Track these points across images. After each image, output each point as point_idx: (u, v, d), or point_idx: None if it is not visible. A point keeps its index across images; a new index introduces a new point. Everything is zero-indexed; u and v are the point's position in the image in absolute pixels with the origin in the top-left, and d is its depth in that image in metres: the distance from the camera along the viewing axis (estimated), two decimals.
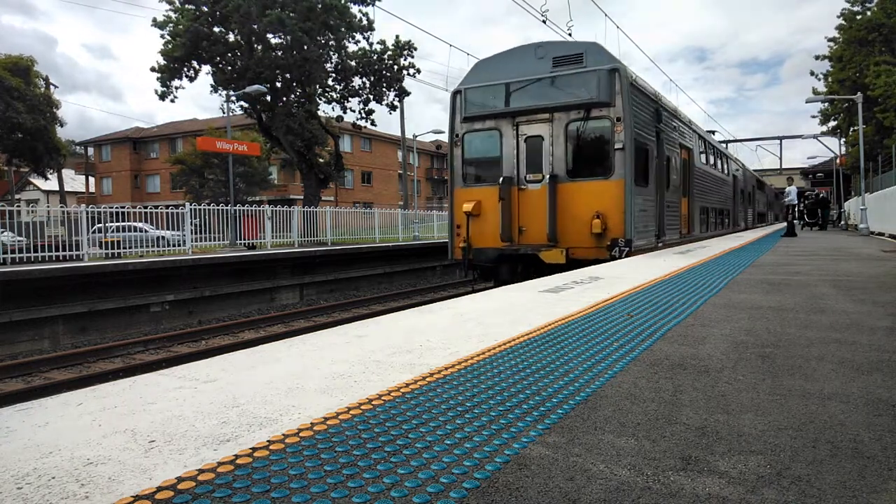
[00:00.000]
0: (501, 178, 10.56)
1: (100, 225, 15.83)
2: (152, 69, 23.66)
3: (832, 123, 36.51)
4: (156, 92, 24.01)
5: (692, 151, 15.32)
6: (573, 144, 10.30)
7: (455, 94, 11.42)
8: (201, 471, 1.58)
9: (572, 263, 9.35)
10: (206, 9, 22.96)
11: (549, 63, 10.47)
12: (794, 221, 19.18)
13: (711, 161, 18.92)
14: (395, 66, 25.65)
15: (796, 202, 20.34)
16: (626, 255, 9.52)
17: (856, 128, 26.95)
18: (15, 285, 11.21)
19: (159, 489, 1.48)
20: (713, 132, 22.68)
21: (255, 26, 22.60)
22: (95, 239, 15.51)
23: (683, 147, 14.46)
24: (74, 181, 60.57)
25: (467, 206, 10.88)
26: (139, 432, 1.88)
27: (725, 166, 21.78)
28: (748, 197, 28.78)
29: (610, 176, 9.94)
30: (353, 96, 26.06)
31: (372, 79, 25.69)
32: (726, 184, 21.67)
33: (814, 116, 42.17)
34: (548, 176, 10.22)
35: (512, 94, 10.72)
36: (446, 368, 2.66)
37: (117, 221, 17.10)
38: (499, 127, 10.91)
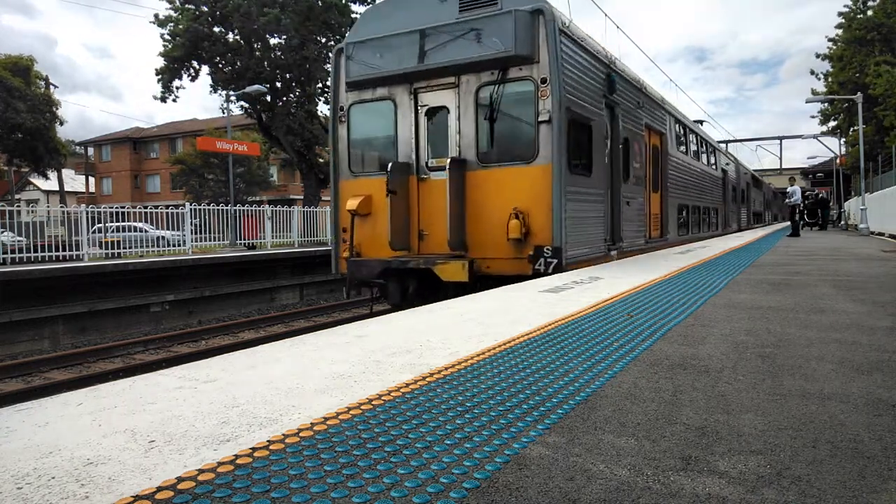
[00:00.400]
0: (390, 165, 7.99)
1: (100, 225, 15.84)
2: (156, 72, 23.72)
3: (832, 123, 36.57)
4: (155, 97, 24.17)
5: (665, 137, 12.69)
6: (486, 117, 7.75)
7: (337, 52, 8.76)
8: (201, 471, 1.59)
9: (484, 281, 7.18)
10: (206, 9, 22.98)
11: (454, 6, 7.87)
12: (798, 222, 18.93)
13: (694, 151, 16.41)
14: None
15: (800, 202, 19.85)
16: (555, 270, 7.18)
17: (856, 128, 26.98)
18: (15, 285, 11.21)
19: (159, 489, 1.48)
20: (701, 122, 20.30)
21: (255, 26, 22.63)
22: (95, 239, 15.52)
23: (653, 130, 11.84)
24: (74, 181, 60.55)
25: (352, 204, 8.34)
26: (139, 432, 1.88)
27: (713, 159, 19.44)
28: (742, 195, 26.23)
29: (532, 160, 7.43)
30: None
31: None
32: (714, 178, 19.19)
33: (814, 116, 42.30)
34: (448, 160, 7.67)
35: (407, 50, 8.07)
36: (446, 368, 2.66)
37: (117, 221, 17.10)
38: (393, 96, 8.34)
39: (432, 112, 8.23)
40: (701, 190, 16.93)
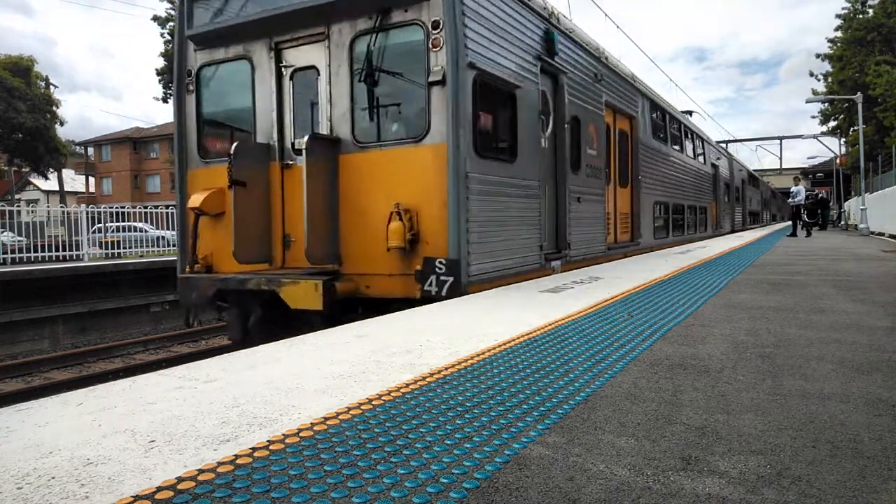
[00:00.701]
0: (235, 147, 5.94)
1: (100, 225, 15.85)
2: (157, 72, 23.79)
3: (832, 123, 36.62)
4: (155, 98, 24.35)
5: (637, 121, 10.82)
6: (362, 78, 5.79)
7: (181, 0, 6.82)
8: (201, 471, 1.59)
9: (361, 306, 5.69)
10: None
11: None
12: (799, 222, 18.77)
13: (677, 141, 14.36)
14: None
15: (804, 202, 19.50)
16: (451, 293, 5.26)
17: (856, 128, 27.01)
18: (15, 285, 11.21)
19: (159, 489, 1.48)
20: (690, 113, 18.34)
21: None
22: (95, 239, 15.53)
23: (619, 111, 10.01)
24: (74, 181, 60.58)
25: (196, 200, 6.34)
26: (139, 432, 1.88)
27: (702, 152, 17.44)
28: (736, 192, 24.08)
29: (421, 138, 5.53)
30: None
31: None
32: (702, 174, 17.20)
33: (814, 117, 42.39)
34: (306, 139, 5.64)
35: None
36: (446, 368, 2.66)
37: (117, 221, 17.11)
38: (250, 53, 6.37)
39: (299, 74, 6.24)
40: (685, 186, 14.96)
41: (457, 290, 5.27)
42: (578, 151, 8.13)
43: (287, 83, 6.29)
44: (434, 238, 5.43)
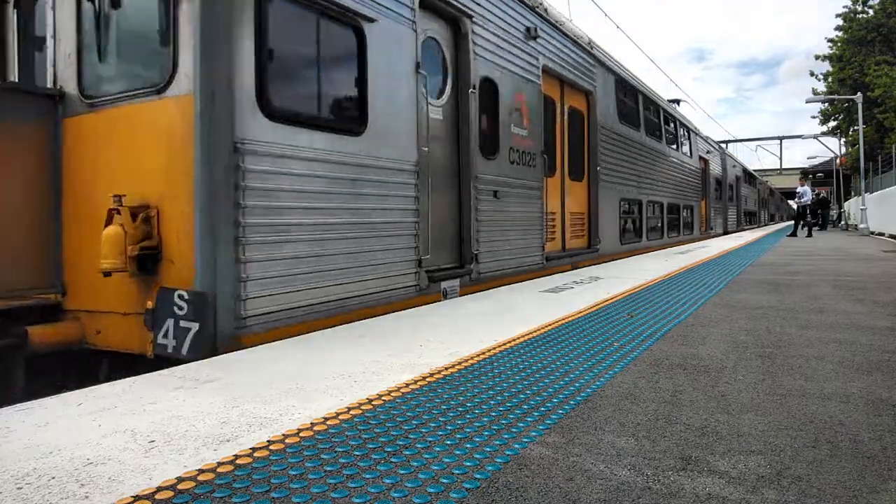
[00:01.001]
0: None
1: None
2: None
3: (832, 123, 36.63)
4: None
5: (594, 97, 8.78)
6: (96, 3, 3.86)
7: None
8: (201, 471, 1.59)
9: (106, 360, 3.76)
10: None
11: None
12: (802, 222, 18.65)
13: (653, 127, 12.18)
14: None
15: (810, 203, 18.97)
16: (196, 351, 3.16)
17: (856, 128, 27.04)
18: None
19: (159, 489, 1.48)
20: (677, 102, 16.54)
21: None
22: None
23: (567, 83, 8.02)
24: None
25: None
26: (139, 432, 1.88)
27: (688, 143, 15.41)
28: (730, 190, 22.15)
29: (165, 86, 3.46)
30: None
31: None
32: (688, 169, 15.15)
33: (814, 117, 42.42)
34: None
35: None
36: (446, 368, 2.66)
37: None
38: None
39: (26, 1, 4.33)
40: (665, 181, 12.87)
41: (206, 346, 3.21)
42: (495, 129, 6.14)
43: (11, 14, 4.38)
44: (182, 255, 3.39)
